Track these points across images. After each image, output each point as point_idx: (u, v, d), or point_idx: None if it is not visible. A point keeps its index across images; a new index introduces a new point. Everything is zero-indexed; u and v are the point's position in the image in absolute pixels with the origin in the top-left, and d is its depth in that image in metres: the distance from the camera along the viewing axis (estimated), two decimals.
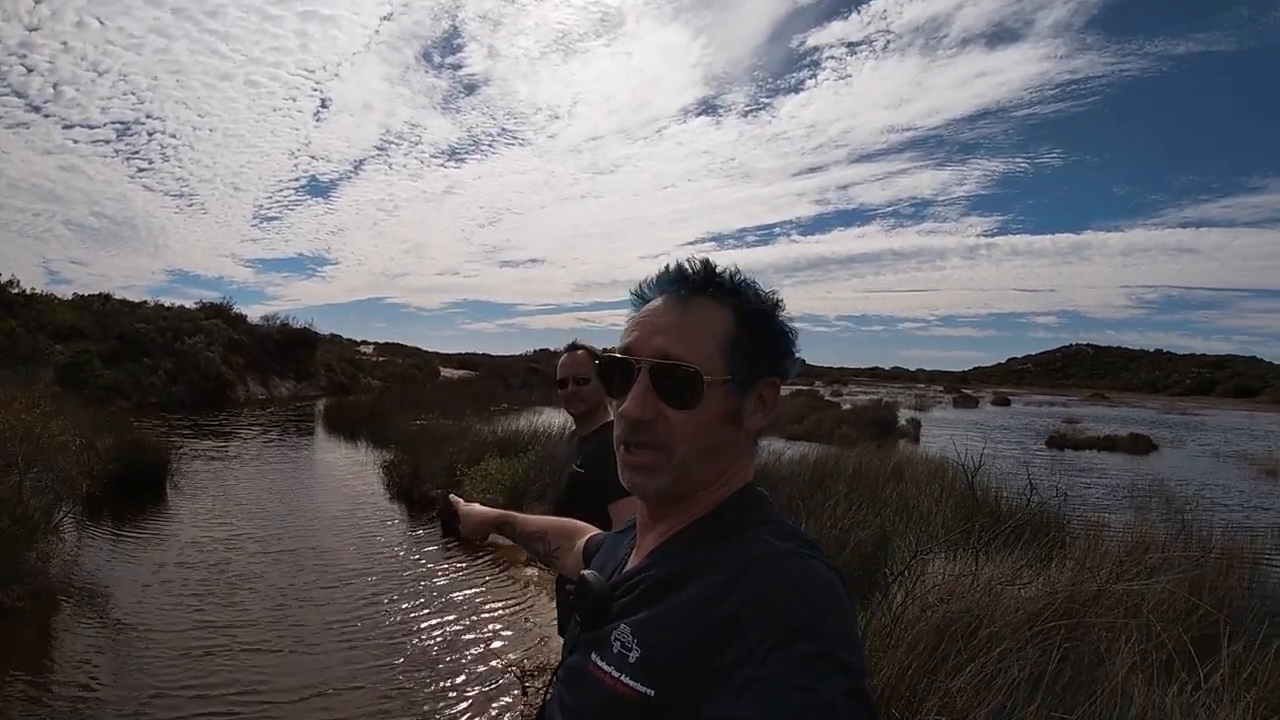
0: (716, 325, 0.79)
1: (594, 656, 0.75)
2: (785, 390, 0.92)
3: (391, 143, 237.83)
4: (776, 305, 0.82)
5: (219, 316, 27.71)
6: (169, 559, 6.17)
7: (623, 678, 0.70)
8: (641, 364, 0.78)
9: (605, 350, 0.85)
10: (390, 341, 71.57)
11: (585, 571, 0.86)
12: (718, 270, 0.82)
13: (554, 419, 13.51)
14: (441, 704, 3.85)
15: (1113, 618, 2.96)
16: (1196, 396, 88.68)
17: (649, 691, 0.68)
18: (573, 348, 2.53)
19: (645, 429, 0.78)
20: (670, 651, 0.68)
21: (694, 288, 0.81)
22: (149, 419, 14.76)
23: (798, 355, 0.84)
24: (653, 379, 0.77)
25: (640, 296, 0.85)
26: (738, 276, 0.82)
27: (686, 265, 0.82)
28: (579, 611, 0.83)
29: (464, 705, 3.85)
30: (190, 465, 10.67)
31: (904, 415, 27.55)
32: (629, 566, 0.84)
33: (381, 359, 45.72)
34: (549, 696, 0.84)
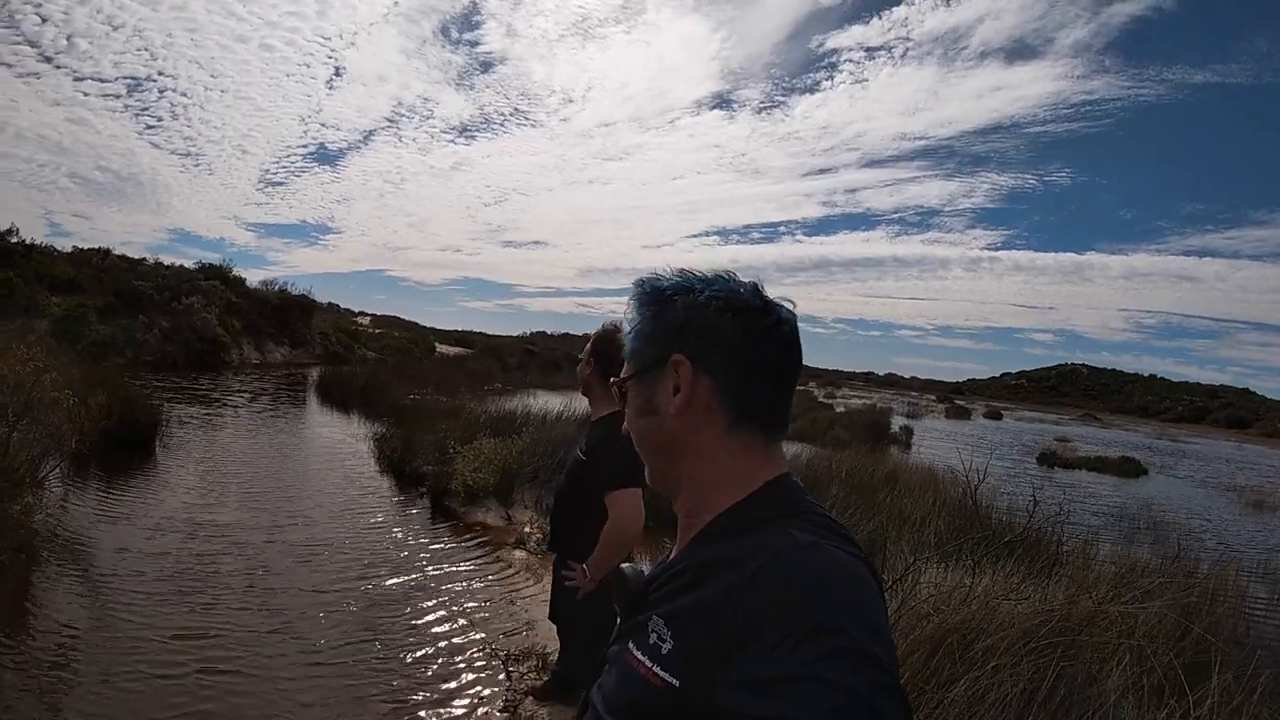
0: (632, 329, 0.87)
1: (631, 645, 0.77)
2: None
3: (403, 115, 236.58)
4: (685, 285, 0.83)
5: (218, 278, 27.50)
6: (151, 524, 6.12)
7: (654, 667, 0.72)
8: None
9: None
10: (388, 314, 71.54)
11: (623, 565, 0.88)
12: (641, 281, 0.87)
13: (549, 402, 13.50)
14: (423, 688, 3.79)
15: (1107, 639, 2.94)
16: (1188, 424, 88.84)
17: (674, 682, 0.69)
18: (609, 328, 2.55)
19: None
20: (696, 645, 0.70)
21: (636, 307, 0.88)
22: (142, 376, 14.68)
23: (727, 320, 0.79)
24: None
25: None
26: (659, 281, 0.85)
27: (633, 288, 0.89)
28: (616, 603, 0.85)
29: (447, 690, 3.79)
30: (181, 427, 10.61)
31: (897, 422, 27.63)
32: (669, 558, 0.86)
33: (378, 331, 45.54)
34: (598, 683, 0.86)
